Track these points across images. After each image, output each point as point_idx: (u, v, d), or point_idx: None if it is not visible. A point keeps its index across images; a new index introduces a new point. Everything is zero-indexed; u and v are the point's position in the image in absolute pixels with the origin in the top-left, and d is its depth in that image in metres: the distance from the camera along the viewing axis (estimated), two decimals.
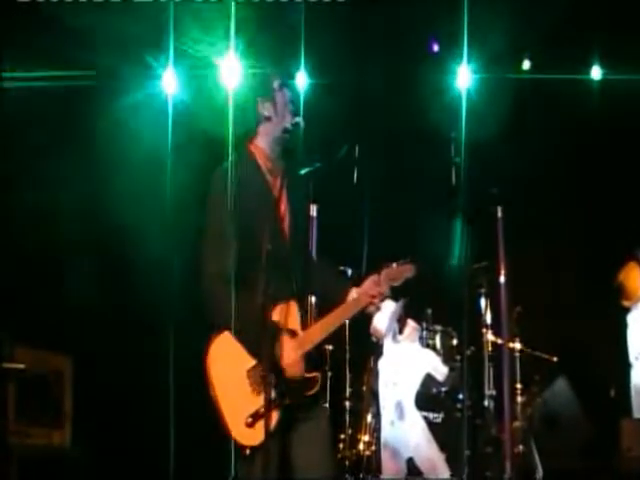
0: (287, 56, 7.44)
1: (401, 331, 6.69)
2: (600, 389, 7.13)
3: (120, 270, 7.32)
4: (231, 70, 7.24)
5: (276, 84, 4.61)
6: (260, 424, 4.14)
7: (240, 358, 4.31)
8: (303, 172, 5.18)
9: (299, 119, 4.65)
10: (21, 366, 6.34)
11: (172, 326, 7.20)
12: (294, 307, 4.40)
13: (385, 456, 6.43)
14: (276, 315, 4.31)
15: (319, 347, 4.48)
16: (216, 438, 4.37)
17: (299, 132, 4.61)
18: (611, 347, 7.17)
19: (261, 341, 4.12)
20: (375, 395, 6.34)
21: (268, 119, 4.58)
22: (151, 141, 7.18)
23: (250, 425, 4.22)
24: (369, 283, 4.51)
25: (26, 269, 6.84)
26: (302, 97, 7.58)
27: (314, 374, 4.36)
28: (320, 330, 4.40)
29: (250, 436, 4.20)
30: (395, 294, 6.59)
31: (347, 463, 6.47)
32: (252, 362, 4.32)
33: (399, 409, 6.75)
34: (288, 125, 4.56)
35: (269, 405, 4.08)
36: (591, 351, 7.59)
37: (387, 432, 6.58)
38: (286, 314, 4.34)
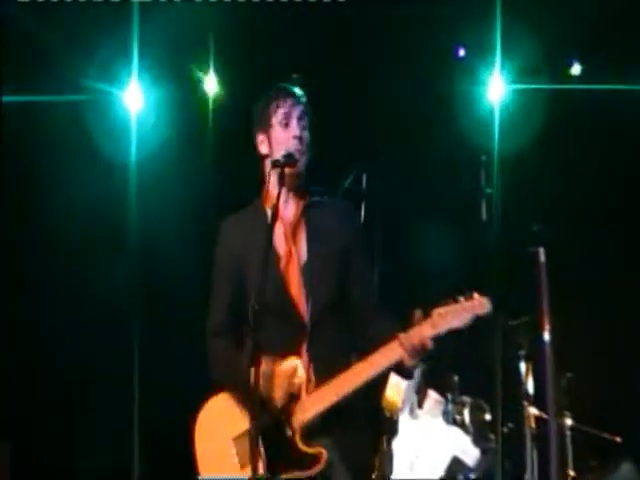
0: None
1: (420, 404, 6.30)
2: None
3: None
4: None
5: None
6: None
7: (230, 423, 3.96)
8: None
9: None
10: None
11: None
12: (297, 367, 3.94)
13: None
14: (278, 376, 3.93)
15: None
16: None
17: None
18: None
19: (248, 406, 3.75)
20: None
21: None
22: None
23: None
24: (416, 328, 3.83)
25: None
26: None
27: (318, 449, 3.82)
28: (329, 393, 3.86)
29: None
30: None
31: None
32: (242, 429, 3.92)
33: None
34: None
35: None
36: None
37: None
38: (288, 375, 3.89)
